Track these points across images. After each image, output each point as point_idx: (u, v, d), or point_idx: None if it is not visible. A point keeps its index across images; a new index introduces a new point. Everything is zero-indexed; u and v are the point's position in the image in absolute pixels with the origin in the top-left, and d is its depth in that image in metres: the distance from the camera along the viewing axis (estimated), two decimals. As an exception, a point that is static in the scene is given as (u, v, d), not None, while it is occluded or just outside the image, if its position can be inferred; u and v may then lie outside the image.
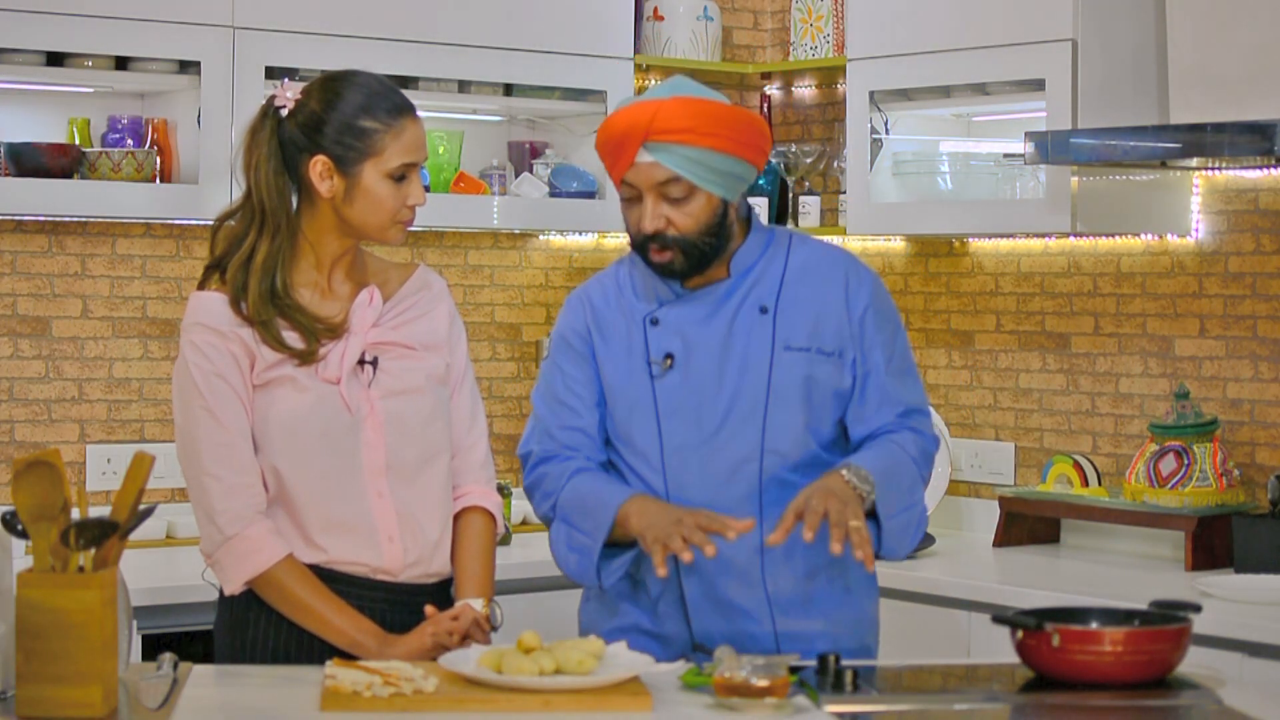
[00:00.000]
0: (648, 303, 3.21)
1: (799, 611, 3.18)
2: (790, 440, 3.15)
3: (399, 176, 3.01)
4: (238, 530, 2.97)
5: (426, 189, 4.72)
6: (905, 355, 3.27)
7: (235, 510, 2.97)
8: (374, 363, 3.05)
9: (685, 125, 3.06)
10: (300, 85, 3.05)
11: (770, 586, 3.16)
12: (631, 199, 3.14)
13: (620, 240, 5.29)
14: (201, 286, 3.05)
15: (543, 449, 3.23)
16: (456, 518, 3.15)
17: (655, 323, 3.20)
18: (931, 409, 3.32)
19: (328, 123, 2.98)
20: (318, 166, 2.99)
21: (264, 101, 3.06)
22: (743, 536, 3.03)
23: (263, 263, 2.99)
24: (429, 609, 3.01)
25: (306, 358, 3.00)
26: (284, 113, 3.02)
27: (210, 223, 3.12)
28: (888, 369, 3.21)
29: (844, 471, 3.05)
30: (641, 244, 3.14)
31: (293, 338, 3.00)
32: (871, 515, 3.09)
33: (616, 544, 3.14)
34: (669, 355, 3.17)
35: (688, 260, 3.13)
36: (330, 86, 3.02)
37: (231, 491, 2.97)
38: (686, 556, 2.96)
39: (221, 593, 3.08)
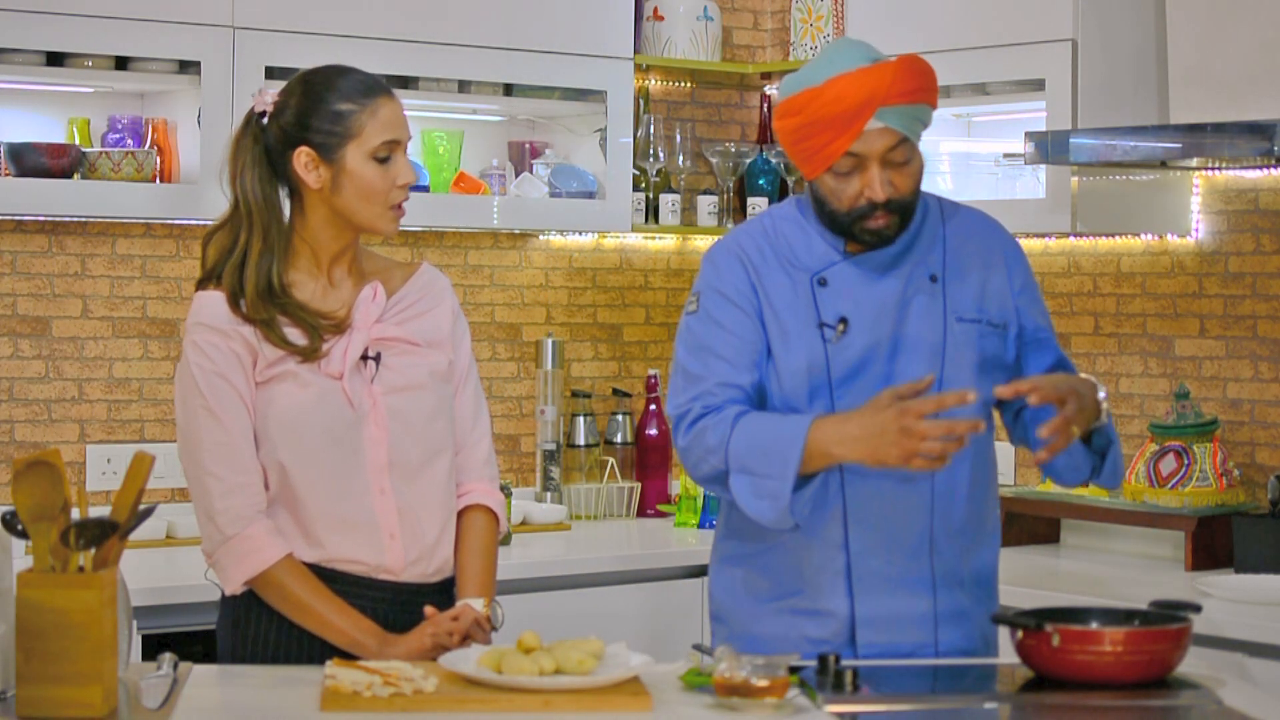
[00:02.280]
0: (812, 260, 3.13)
1: (959, 587, 3.14)
2: (963, 412, 3.06)
3: (383, 158, 3.01)
4: (238, 530, 2.97)
5: (427, 188, 4.76)
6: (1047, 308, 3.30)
7: (235, 510, 2.97)
8: (377, 358, 3.05)
9: (917, 85, 3.04)
10: (277, 88, 3.07)
11: (936, 560, 3.11)
12: (849, 171, 3.04)
13: (620, 240, 5.30)
14: (200, 289, 3.05)
15: (703, 405, 3.06)
16: (459, 516, 3.15)
17: (823, 283, 3.11)
18: None
19: (308, 114, 3.00)
20: (302, 158, 3.00)
21: (246, 112, 3.08)
22: (912, 514, 3.06)
23: (257, 262, 3.00)
24: (429, 609, 3.01)
25: (310, 354, 3.00)
26: (265, 120, 3.04)
27: (211, 223, 3.12)
28: (1050, 326, 3.23)
29: (1101, 389, 3.06)
30: (860, 215, 3.05)
31: (295, 334, 3.01)
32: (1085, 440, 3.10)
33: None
34: (843, 319, 3.09)
35: (903, 224, 3.10)
36: (305, 80, 3.04)
37: (231, 491, 2.97)
38: (938, 466, 2.92)
39: (223, 592, 3.08)
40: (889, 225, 3.07)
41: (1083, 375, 3.11)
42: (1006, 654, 2.91)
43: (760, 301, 3.11)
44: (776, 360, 3.09)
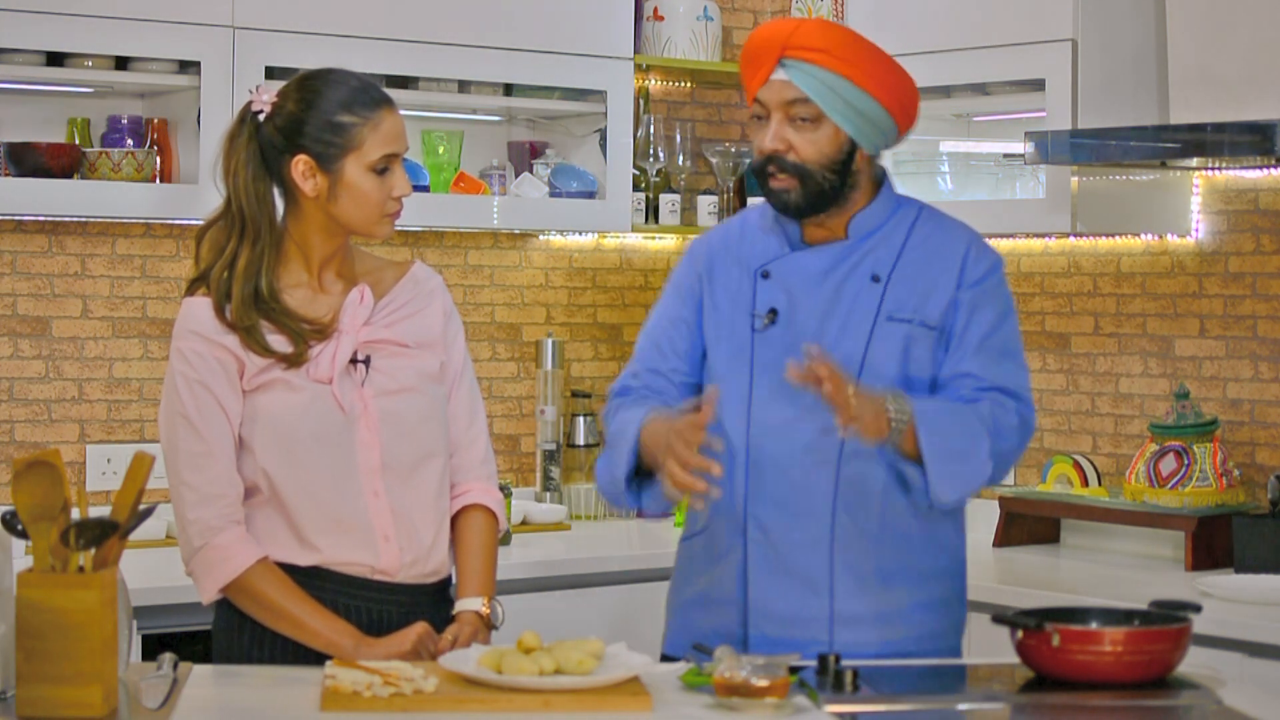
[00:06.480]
0: (764, 254, 3.18)
1: (862, 597, 3.12)
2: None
3: (381, 169, 3.01)
4: (206, 541, 2.96)
5: (427, 188, 4.76)
6: (1009, 338, 3.15)
7: (205, 520, 2.96)
8: (366, 361, 3.04)
9: (822, 45, 3.07)
10: (276, 87, 3.05)
11: (837, 563, 3.10)
12: (760, 118, 3.11)
13: (620, 240, 5.30)
14: (189, 294, 3.04)
15: (622, 385, 3.25)
16: (458, 516, 3.14)
17: (766, 275, 3.16)
18: (1030, 400, 3.17)
19: (306, 122, 2.98)
20: (299, 166, 2.99)
21: (241, 107, 3.07)
22: (812, 521, 3.05)
23: (244, 269, 2.98)
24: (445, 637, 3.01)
25: (294, 361, 2.99)
26: (261, 117, 3.02)
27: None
28: (980, 346, 3.11)
29: (886, 397, 2.98)
30: (762, 167, 3.10)
31: (279, 341, 2.99)
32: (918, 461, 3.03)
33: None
34: (772, 310, 3.14)
35: (804, 191, 3.08)
36: (306, 85, 3.02)
37: (203, 501, 2.96)
38: (699, 486, 2.89)
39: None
40: (788, 188, 3.09)
41: (886, 397, 3.00)
42: (1007, 654, 2.91)
43: (704, 290, 3.21)
44: (710, 347, 3.20)
